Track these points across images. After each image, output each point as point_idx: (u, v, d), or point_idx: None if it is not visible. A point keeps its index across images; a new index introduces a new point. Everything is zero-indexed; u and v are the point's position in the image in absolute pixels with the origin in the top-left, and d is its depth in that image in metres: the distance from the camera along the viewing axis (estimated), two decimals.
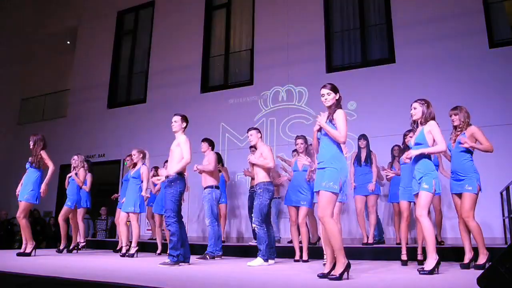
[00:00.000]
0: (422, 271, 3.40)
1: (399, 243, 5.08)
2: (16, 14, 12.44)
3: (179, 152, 4.48)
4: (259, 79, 8.69)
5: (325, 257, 4.34)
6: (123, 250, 5.78)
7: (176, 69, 9.55)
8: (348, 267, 3.06)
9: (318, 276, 3.16)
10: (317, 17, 8.36)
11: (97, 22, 11.28)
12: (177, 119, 4.65)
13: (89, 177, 6.69)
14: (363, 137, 6.09)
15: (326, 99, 3.37)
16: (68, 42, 12.58)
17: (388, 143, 6.16)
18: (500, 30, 7.06)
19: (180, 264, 4.32)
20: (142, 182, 5.75)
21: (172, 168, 4.47)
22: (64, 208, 6.37)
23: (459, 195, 3.94)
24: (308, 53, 8.21)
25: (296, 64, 8.24)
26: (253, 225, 4.60)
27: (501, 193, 5.69)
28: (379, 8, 8.09)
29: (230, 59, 9.39)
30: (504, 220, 5.77)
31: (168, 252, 4.41)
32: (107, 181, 9.77)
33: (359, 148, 6.10)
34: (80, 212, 6.68)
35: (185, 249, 4.47)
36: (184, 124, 4.67)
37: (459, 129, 4.02)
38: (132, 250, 5.63)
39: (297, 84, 8.19)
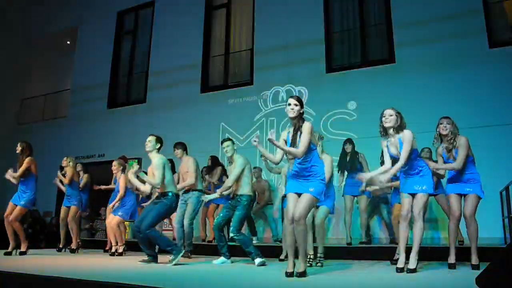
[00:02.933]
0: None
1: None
2: (16, 14, 12.44)
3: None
4: (259, 79, 8.69)
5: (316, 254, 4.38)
6: (120, 250, 5.86)
7: (176, 69, 9.55)
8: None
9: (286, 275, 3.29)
10: (317, 17, 8.35)
11: (97, 22, 11.27)
12: (150, 138, 4.73)
13: (85, 178, 6.82)
14: (348, 141, 6.06)
15: (293, 109, 3.37)
16: (68, 42, 12.58)
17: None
18: (500, 30, 7.06)
19: None
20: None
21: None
22: (72, 208, 6.39)
23: (460, 196, 3.93)
24: (308, 53, 8.20)
25: (296, 64, 8.24)
26: (232, 235, 4.61)
27: (501, 193, 5.68)
28: (379, 8, 8.09)
29: (230, 59, 9.39)
30: (504, 220, 5.76)
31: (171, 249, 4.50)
32: (106, 182, 9.76)
33: (345, 153, 6.00)
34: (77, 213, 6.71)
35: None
36: (158, 145, 4.73)
37: (448, 138, 3.90)
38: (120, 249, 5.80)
39: (297, 84, 8.19)
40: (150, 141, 4.69)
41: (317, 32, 8.28)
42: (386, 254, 4.98)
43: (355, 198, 6.03)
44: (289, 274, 3.28)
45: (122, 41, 11.10)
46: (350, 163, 5.94)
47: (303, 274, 3.27)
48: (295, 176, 3.40)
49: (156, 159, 4.59)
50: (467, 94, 6.57)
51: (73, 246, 6.37)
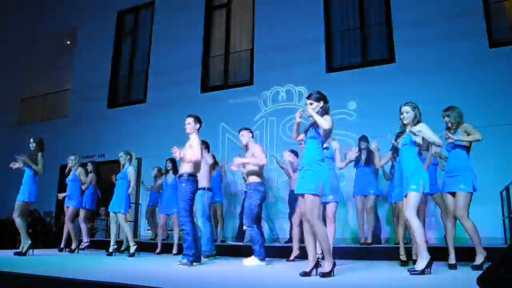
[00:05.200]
0: (413, 271, 3.38)
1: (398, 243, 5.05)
2: (16, 14, 12.44)
3: (191, 152, 4.41)
4: (259, 79, 8.70)
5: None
6: (111, 250, 5.80)
7: (176, 69, 9.55)
8: (334, 265, 3.22)
9: (300, 274, 3.23)
10: (317, 17, 8.36)
11: (97, 22, 11.27)
12: (190, 120, 4.57)
13: (89, 178, 6.78)
14: (363, 138, 6.09)
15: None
16: (68, 42, 12.58)
17: (388, 143, 6.14)
18: (500, 30, 7.06)
19: (193, 264, 4.27)
20: (129, 182, 5.82)
21: (183, 168, 4.44)
22: (70, 209, 6.39)
23: (453, 194, 3.88)
24: (308, 53, 8.20)
25: (296, 64, 8.24)
26: (244, 226, 4.60)
27: (501, 193, 5.68)
28: (379, 8, 8.09)
29: (230, 59, 9.39)
30: (504, 220, 5.77)
31: (183, 252, 4.27)
32: (106, 181, 9.77)
33: (360, 149, 6.02)
34: (82, 212, 6.68)
35: (197, 249, 4.44)
36: (198, 126, 4.59)
37: (452, 130, 3.93)
38: (132, 249, 5.62)
39: (297, 84, 8.19)
40: (190, 123, 4.52)
41: (317, 32, 8.28)
42: (392, 254, 4.97)
43: (365, 198, 5.99)
44: (304, 274, 3.22)
45: (122, 41, 11.10)
46: (365, 160, 5.95)
47: (327, 275, 3.14)
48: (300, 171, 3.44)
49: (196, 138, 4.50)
50: (467, 94, 6.56)
51: (73, 246, 6.37)
